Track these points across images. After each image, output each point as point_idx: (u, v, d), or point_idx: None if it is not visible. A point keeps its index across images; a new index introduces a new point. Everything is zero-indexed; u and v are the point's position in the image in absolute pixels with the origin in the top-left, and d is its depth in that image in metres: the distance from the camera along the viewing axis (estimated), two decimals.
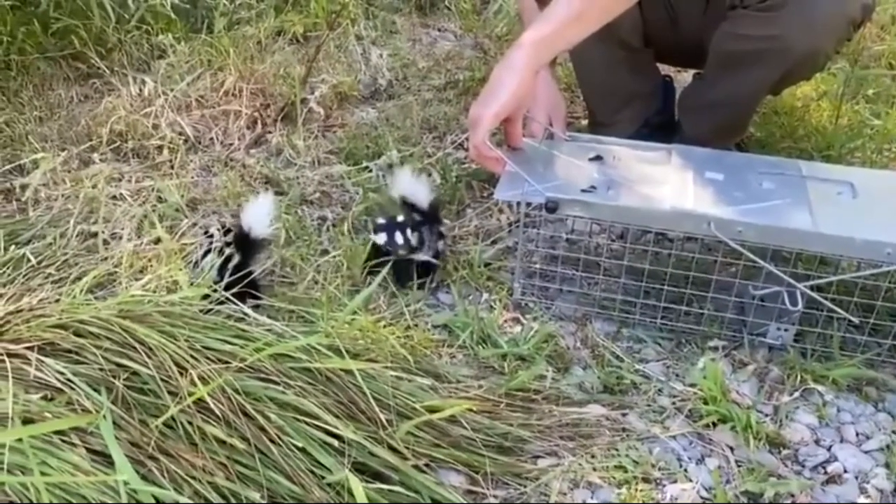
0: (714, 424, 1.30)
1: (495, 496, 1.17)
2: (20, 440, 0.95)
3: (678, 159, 1.54)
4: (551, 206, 1.41)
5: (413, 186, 1.62)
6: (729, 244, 1.34)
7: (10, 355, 1.11)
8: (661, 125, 2.04)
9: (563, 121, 1.85)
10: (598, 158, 1.58)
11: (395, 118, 2.32)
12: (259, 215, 1.48)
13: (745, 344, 1.47)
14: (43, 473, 0.93)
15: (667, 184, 1.47)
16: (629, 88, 2.01)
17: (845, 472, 1.23)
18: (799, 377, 1.39)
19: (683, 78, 2.38)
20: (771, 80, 1.76)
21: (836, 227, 1.34)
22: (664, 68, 2.18)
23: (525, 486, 1.19)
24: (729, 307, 1.47)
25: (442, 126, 2.27)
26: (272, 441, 1.06)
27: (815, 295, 1.33)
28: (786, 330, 1.44)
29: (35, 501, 0.91)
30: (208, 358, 1.14)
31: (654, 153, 1.59)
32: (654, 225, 1.43)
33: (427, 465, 1.16)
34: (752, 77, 1.75)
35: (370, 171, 2.02)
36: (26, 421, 1.01)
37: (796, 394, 1.37)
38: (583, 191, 1.46)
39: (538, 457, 1.24)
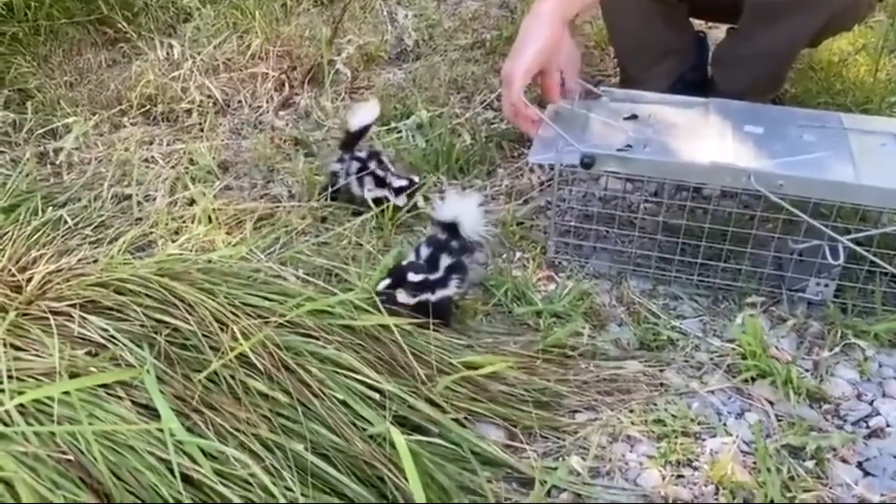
0: (753, 379, 1.29)
1: (534, 450, 1.17)
2: (67, 393, 0.96)
3: (716, 113, 1.51)
4: (587, 162, 1.40)
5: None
6: (769, 197, 1.32)
7: (53, 313, 1.12)
8: (694, 82, 2.00)
9: (576, 73, 1.79)
10: (633, 117, 1.55)
11: (423, 79, 2.30)
12: None
13: (784, 300, 1.45)
14: (91, 424, 0.95)
15: (705, 138, 1.44)
16: (663, 44, 1.96)
17: (888, 426, 1.22)
18: (839, 332, 1.37)
19: (715, 35, 2.32)
20: (810, 31, 1.71)
21: (881, 179, 1.31)
22: (696, 25, 2.14)
23: (564, 440, 1.19)
24: (767, 263, 1.45)
25: (470, 86, 2.25)
26: (314, 394, 1.07)
27: (857, 248, 1.30)
28: (826, 285, 1.42)
29: (85, 451, 0.92)
30: (248, 314, 1.14)
31: (691, 108, 1.56)
32: (693, 180, 1.41)
33: (466, 418, 1.17)
34: (790, 28, 1.70)
35: (399, 131, 2.00)
36: (72, 375, 1.03)
37: (837, 349, 1.35)
38: (619, 150, 1.44)
39: (576, 411, 1.24)
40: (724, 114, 1.51)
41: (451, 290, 1.35)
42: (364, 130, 1.71)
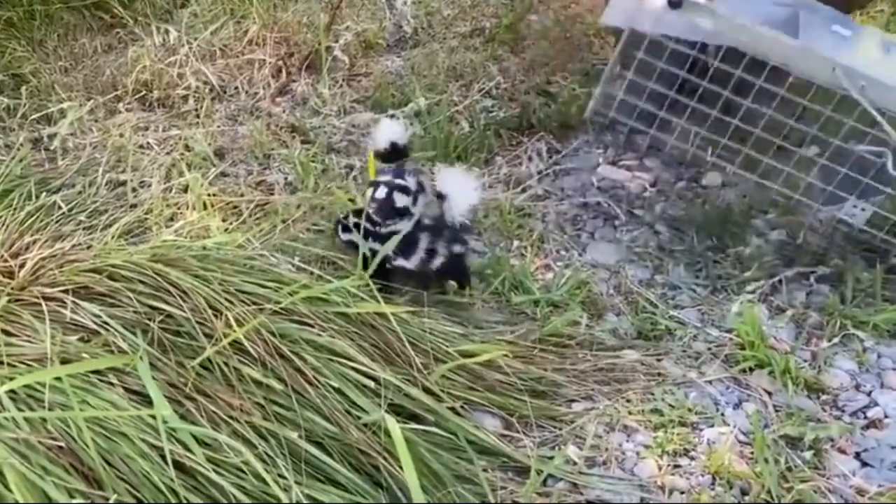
0: (751, 369, 1.28)
1: (531, 439, 1.16)
2: (59, 379, 0.95)
3: (805, 11, 1.44)
4: (675, 2, 1.33)
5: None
6: (850, 93, 1.26)
7: (45, 298, 1.11)
8: None
9: None
10: None
11: (421, 66, 2.28)
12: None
13: (784, 289, 1.44)
14: (83, 411, 0.94)
15: (793, 27, 1.38)
16: None
17: (886, 417, 1.21)
18: (838, 323, 1.36)
19: None
20: None
21: None
22: None
23: (560, 429, 1.18)
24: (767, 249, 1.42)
25: (468, 74, 2.23)
26: (308, 382, 1.06)
27: None
28: (862, 209, 1.37)
29: (76, 438, 0.91)
30: (243, 301, 1.13)
31: (779, 4, 1.49)
32: (777, 58, 1.33)
33: (462, 407, 1.16)
34: None
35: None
36: (64, 361, 1.02)
37: (835, 339, 1.34)
38: None
39: (573, 400, 1.24)
40: (813, 13, 1.44)
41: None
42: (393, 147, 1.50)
